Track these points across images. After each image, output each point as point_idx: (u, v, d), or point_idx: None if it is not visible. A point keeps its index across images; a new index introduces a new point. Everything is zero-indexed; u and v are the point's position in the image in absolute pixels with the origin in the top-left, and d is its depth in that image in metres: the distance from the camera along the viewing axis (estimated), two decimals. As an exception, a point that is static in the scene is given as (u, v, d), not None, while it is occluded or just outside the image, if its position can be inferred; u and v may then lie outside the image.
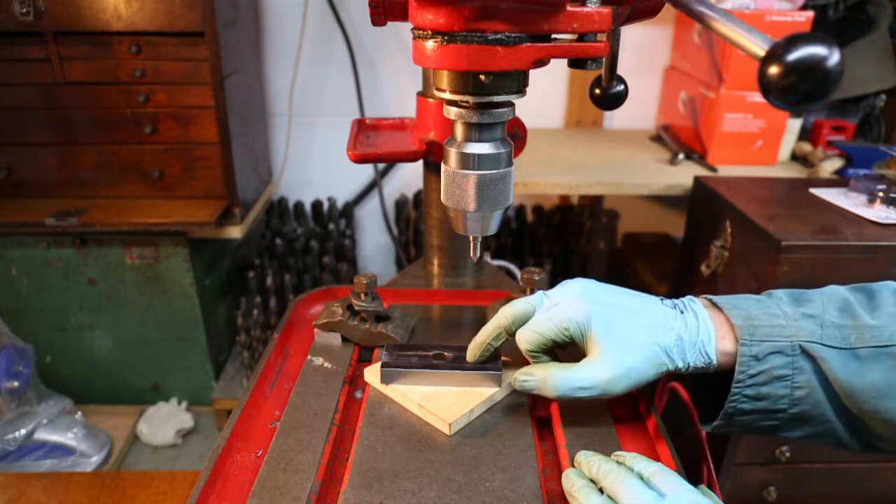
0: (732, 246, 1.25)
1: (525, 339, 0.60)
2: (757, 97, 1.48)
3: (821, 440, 0.56)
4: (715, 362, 0.55)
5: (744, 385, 0.53)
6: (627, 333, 0.56)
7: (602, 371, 0.55)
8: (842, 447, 0.56)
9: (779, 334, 0.53)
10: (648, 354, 0.55)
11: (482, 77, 0.48)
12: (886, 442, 0.54)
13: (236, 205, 1.67)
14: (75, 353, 1.81)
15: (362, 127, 0.93)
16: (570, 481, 0.52)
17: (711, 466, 0.69)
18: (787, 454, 1.24)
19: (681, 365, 0.55)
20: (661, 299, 0.59)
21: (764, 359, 0.53)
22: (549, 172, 1.51)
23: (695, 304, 0.58)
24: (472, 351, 0.65)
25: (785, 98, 0.38)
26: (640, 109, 1.97)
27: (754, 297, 0.57)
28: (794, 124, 1.58)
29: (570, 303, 0.58)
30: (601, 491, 0.50)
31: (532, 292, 0.78)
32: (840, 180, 1.42)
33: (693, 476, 0.58)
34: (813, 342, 0.52)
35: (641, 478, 0.49)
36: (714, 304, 0.57)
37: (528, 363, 0.63)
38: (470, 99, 0.50)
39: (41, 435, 1.66)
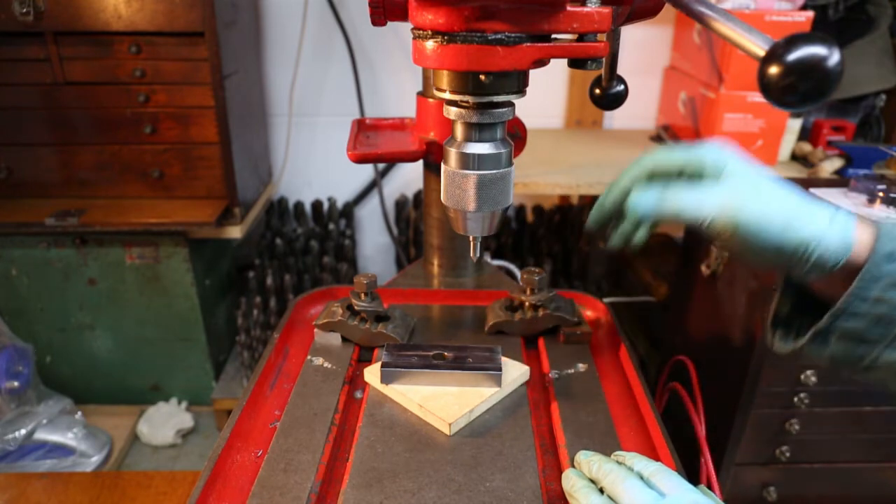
0: (732, 246, 1.25)
1: (651, 156, 0.54)
2: (757, 97, 1.48)
3: None
4: (853, 241, 0.49)
5: (866, 286, 0.48)
6: (765, 178, 0.51)
7: (735, 192, 0.49)
8: None
9: None
10: (785, 199, 0.50)
11: (482, 77, 0.48)
12: None
13: (236, 205, 1.67)
14: (75, 353, 1.81)
15: (362, 127, 0.93)
16: (570, 481, 0.52)
17: (711, 466, 0.69)
18: (787, 454, 1.24)
19: (814, 233, 0.49)
20: None
21: None
22: (549, 172, 1.51)
23: None
24: (614, 196, 0.56)
25: (785, 98, 0.38)
26: (640, 109, 1.97)
27: None
28: (794, 124, 1.58)
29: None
30: (601, 491, 0.50)
31: (532, 293, 0.78)
32: (840, 180, 1.42)
33: (693, 476, 0.58)
34: None
35: (641, 477, 0.49)
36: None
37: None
38: (470, 99, 0.50)
39: (41, 435, 1.66)
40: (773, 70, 0.37)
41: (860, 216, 0.52)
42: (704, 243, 1.36)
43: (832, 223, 0.50)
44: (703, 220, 0.50)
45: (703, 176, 0.53)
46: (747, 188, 0.50)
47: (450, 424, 0.61)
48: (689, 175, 0.53)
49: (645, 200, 0.51)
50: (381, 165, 2.04)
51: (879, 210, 1.19)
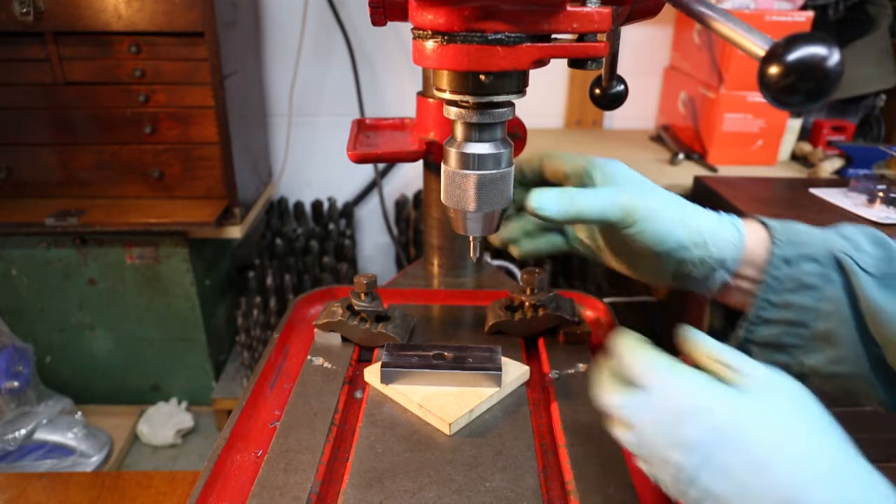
0: (732, 246, 1.25)
1: (545, 154, 0.58)
2: (757, 97, 1.48)
3: (843, 369, 0.51)
4: (744, 239, 0.51)
5: (771, 290, 0.50)
6: (650, 184, 0.54)
7: (630, 191, 0.51)
8: (867, 390, 0.52)
9: (813, 241, 0.50)
10: (673, 202, 0.52)
11: (482, 77, 0.48)
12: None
13: (236, 205, 1.67)
14: (75, 353, 1.81)
15: (362, 127, 0.93)
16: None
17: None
18: (787, 454, 1.24)
19: (708, 223, 0.51)
20: None
21: (796, 264, 0.50)
22: (549, 172, 1.51)
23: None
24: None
25: (785, 98, 0.38)
26: (640, 109, 1.97)
27: None
28: (794, 124, 1.58)
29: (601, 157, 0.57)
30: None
31: (532, 293, 0.78)
32: (840, 180, 1.42)
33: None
34: (846, 255, 0.49)
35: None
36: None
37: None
38: (470, 99, 0.50)
39: (41, 435, 1.66)
40: (773, 70, 0.37)
41: (746, 221, 0.54)
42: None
43: (721, 218, 0.53)
44: (602, 216, 0.50)
45: (595, 182, 0.55)
46: (640, 188, 0.52)
47: (450, 424, 0.61)
48: (579, 182, 0.56)
49: (548, 198, 0.51)
50: (381, 165, 2.04)
51: (879, 210, 1.19)
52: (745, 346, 0.53)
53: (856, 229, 0.53)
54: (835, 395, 0.55)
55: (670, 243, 0.51)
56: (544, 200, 0.51)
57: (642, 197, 0.51)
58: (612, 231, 0.53)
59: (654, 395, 0.40)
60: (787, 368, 0.53)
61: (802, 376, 0.53)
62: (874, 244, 0.51)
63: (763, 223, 0.54)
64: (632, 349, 0.43)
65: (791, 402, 0.38)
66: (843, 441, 0.37)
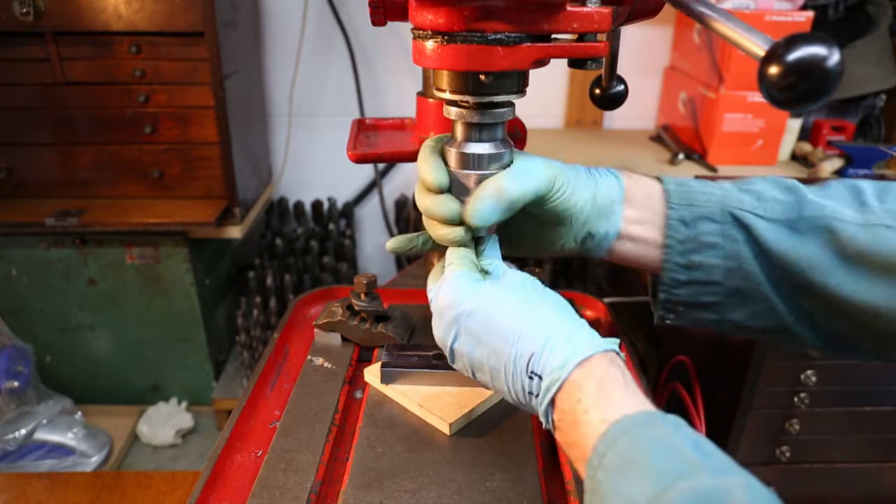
0: (732, 246, 1.25)
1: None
2: (757, 97, 1.48)
3: (761, 323, 0.53)
4: (622, 182, 0.54)
5: (674, 252, 0.52)
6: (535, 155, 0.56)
7: (542, 164, 0.52)
8: (791, 337, 0.53)
9: (707, 201, 0.52)
10: (566, 164, 0.55)
11: (482, 77, 0.48)
12: (818, 321, 0.51)
13: (236, 205, 1.67)
14: (75, 353, 1.81)
15: (362, 127, 0.93)
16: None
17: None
18: (788, 454, 1.24)
19: (601, 183, 0.54)
20: None
21: (692, 224, 0.51)
22: (549, 172, 1.51)
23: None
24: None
25: (785, 98, 0.38)
26: (640, 109, 1.97)
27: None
28: (794, 124, 1.58)
29: None
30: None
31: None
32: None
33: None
34: (744, 210, 0.50)
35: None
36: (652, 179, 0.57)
37: None
38: (470, 99, 0.50)
39: (41, 435, 1.66)
40: (773, 70, 0.37)
41: (642, 181, 0.56)
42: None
43: (599, 170, 0.56)
44: (536, 194, 0.51)
45: None
46: (541, 158, 0.54)
47: (450, 424, 0.61)
48: None
49: (489, 209, 0.50)
50: (381, 165, 2.04)
51: (879, 210, 1.19)
52: (672, 308, 0.55)
53: (764, 180, 0.53)
54: (769, 343, 0.56)
55: (581, 203, 0.53)
56: (487, 213, 0.50)
57: (552, 164, 0.52)
58: (526, 210, 0.53)
59: (439, 291, 0.51)
60: (716, 324, 0.55)
61: (732, 330, 0.55)
62: (783, 190, 0.52)
63: (659, 179, 0.55)
64: (450, 256, 0.54)
65: (520, 287, 0.49)
66: (563, 308, 0.48)
